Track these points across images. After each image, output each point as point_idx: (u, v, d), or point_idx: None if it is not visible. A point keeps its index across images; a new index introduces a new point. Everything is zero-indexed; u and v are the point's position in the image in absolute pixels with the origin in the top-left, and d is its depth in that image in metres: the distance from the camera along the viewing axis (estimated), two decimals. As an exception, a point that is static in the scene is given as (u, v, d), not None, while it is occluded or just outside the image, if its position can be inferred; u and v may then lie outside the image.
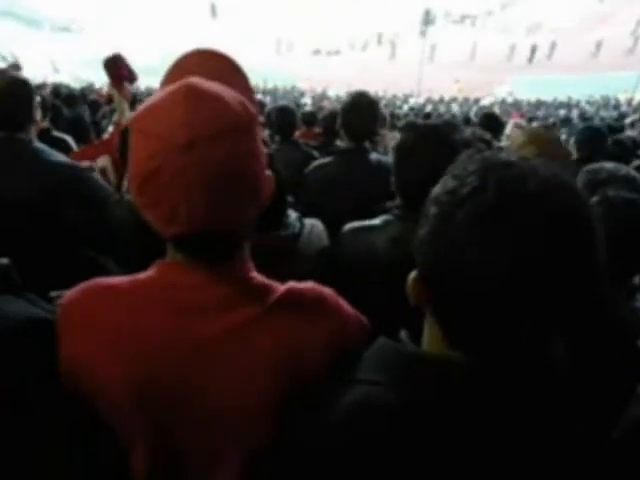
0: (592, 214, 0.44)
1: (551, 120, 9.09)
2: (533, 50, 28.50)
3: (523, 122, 4.18)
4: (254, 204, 0.58)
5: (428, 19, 24.97)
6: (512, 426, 0.46)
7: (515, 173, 0.44)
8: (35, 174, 1.33)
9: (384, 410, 0.48)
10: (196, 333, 0.57)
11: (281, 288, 0.62)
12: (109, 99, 5.10)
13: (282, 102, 4.05)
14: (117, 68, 2.13)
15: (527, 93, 21.57)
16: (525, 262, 0.41)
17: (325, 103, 11.42)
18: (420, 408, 0.47)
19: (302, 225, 1.15)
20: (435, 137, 1.12)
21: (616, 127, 5.25)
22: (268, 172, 0.61)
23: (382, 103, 10.47)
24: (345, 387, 0.52)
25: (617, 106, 17.58)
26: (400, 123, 4.55)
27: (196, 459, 0.60)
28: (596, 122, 7.42)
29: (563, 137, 3.61)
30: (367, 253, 1.14)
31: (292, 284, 0.64)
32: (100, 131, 3.81)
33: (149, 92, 9.38)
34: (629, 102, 18.13)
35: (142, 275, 0.61)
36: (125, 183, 1.90)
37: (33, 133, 1.44)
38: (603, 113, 13.71)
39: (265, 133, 3.36)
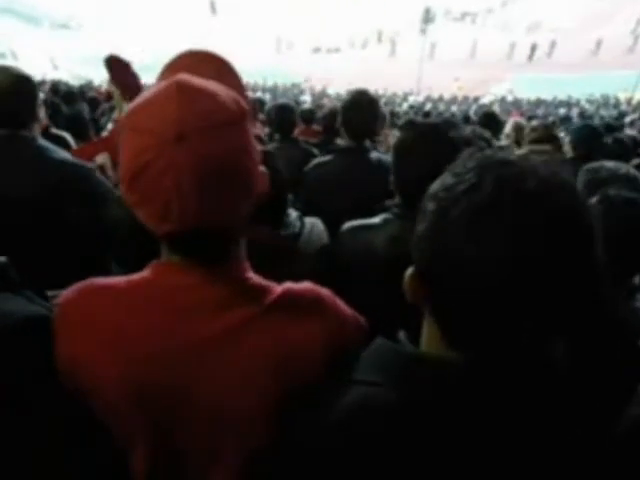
0: (591, 214, 0.44)
1: (551, 119, 9.09)
2: (533, 48, 28.48)
3: (523, 120, 4.17)
4: (247, 200, 0.57)
5: (428, 17, 24.92)
6: (511, 426, 0.46)
7: (514, 172, 0.44)
8: (38, 172, 1.33)
9: (383, 411, 0.48)
10: (194, 333, 0.57)
11: (278, 289, 0.62)
12: (108, 96, 5.09)
13: (282, 100, 4.05)
14: (121, 74, 2.08)
15: (527, 91, 21.56)
16: (525, 262, 0.41)
17: (325, 101, 11.41)
18: (419, 408, 0.47)
19: (302, 224, 1.14)
20: (434, 136, 1.12)
21: (615, 126, 5.25)
22: (262, 168, 0.60)
23: (382, 101, 10.45)
24: (343, 387, 0.52)
25: (617, 105, 17.58)
26: (400, 121, 4.54)
27: (196, 459, 0.60)
28: (596, 121, 7.43)
29: (562, 135, 3.60)
30: (366, 252, 1.13)
31: (289, 285, 0.63)
32: (99, 128, 3.80)
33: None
34: (629, 101, 18.13)
35: (136, 276, 0.60)
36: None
37: (37, 131, 1.43)
38: (603, 112, 13.71)
39: (262, 130, 3.35)
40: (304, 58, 30.15)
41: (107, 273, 1.43)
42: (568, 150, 2.75)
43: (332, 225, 1.25)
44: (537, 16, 30.44)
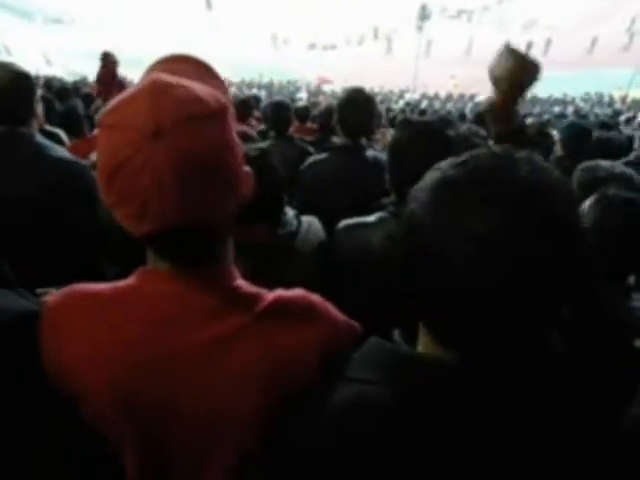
0: (579, 213, 0.44)
1: (546, 117, 9.12)
2: (529, 46, 28.44)
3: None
4: (231, 198, 0.56)
5: (424, 14, 24.87)
6: (508, 426, 0.46)
7: (505, 164, 0.44)
8: (37, 171, 1.33)
9: (377, 409, 0.47)
10: (180, 342, 0.56)
11: (269, 296, 0.61)
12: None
13: (277, 97, 4.03)
14: (105, 72, 2.06)
15: (523, 89, 21.55)
16: (524, 262, 0.41)
17: (320, 98, 11.37)
18: (413, 408, 0.47)
19: (299, 223, 1.14)
20: (430, 134, 1.12)
21: (610, 124, 5.27)
22: (247, 169, 0.59)
23: (378, 99, 10.44)
24: (336, 385, 0.52)
25: (611, 103, 17.66)
26: (396, 119, 4.54)
27: (184, 465, 0.60)
28: (591, 119, 7.46)
29: (555, 133, 3.61)
30: (362, 250, 1.13)
31: (280, 292, 0.63)
32: (94, 125, 3.76)
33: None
34: (623, 99, 18.21)
35: (122, 283, 0.59)
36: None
37: (35, 127, 1.42)
38: (597, 110, 13.76)
39: (257, 127, 3.33)
40: (300, 55, 30.06)
41: (100, 273, 1.42)
42: (558, 149, 2.76)
43: (328, 223, 1.25)
44: (533, 14, 30.48)
